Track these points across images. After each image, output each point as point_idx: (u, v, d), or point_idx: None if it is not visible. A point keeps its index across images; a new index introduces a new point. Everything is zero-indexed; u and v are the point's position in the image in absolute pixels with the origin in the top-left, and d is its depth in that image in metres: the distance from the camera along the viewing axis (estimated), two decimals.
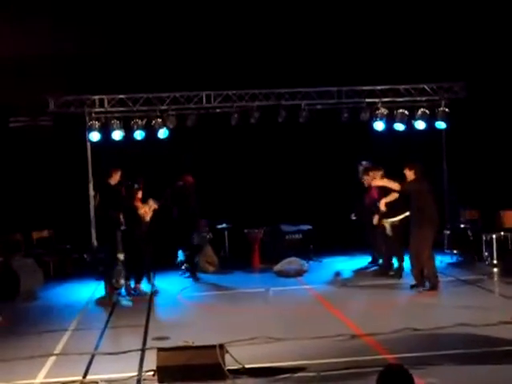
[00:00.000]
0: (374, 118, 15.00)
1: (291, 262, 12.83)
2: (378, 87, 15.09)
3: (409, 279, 11.19)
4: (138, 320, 9.27)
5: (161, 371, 6.42)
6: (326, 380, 6.35)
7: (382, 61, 14.74)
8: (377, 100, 15.08)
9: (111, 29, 14.15)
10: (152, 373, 6.54)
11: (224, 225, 14.54)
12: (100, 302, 11.03)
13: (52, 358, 7.44)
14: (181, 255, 13.66)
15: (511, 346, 6.98)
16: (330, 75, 14.89)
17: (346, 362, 6.76)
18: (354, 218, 13.38)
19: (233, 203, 14.98)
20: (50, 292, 11.89)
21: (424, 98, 15.20)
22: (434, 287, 10.54)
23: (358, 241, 13.64)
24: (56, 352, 7.72)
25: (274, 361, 6.86)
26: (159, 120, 14.52)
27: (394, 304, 10.09)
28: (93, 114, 14.59)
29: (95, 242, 14.51)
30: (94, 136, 14.49)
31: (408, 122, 15.03)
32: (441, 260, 13.38)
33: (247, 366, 6.61)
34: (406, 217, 11.36)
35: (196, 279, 12.72)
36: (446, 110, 15.00)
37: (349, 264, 13.63)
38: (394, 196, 11.45)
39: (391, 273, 12.15)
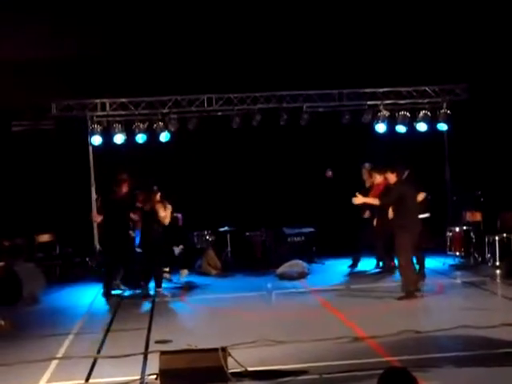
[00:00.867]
0: (375, 120, 15.03)
1: (293, 265, 12.82)
2: (380, 89, 15.11)
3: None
4: (141, 323, 9.28)
5: (163, 374, 6.42)
6: (328, 382, 6.34)
7: (383, 63, 14.75)
8: (378, 102, 15.10)
9: (113, 32, 14.17)
10: (155, 376, 6.54)
11: (226, 228, 14.55)
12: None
13: (55, 362, 7.44)
14: None
15: None
16: (331, 77, 14.91)
17: (348, 364, 6.76)
18: (367, 216, 13.19)
19: (235, 206, 14.98)
20: (53, 296, 11.90)
21: (426, 100, 15.23)
22: (406, 296, 10.18)
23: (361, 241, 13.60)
24: (59, 356, 7.73)
25: (277, 363, 6.86)
26: (161, 123, 14.56)
27: (396, 306, 10.07)
28: (95, 118, 14.64)
29: (98, 246, 14.53)
30: (96, 139, 14.53)
31: (410, 124, 15.05)
32: (443, 262, 13.39)
33: (250, 369, 6.61)
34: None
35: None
36: (448, 111, 15.03)
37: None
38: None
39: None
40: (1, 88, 13.96)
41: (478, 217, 13.84)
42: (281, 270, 12.76)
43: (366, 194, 11.97)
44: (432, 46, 14.74)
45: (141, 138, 14.58)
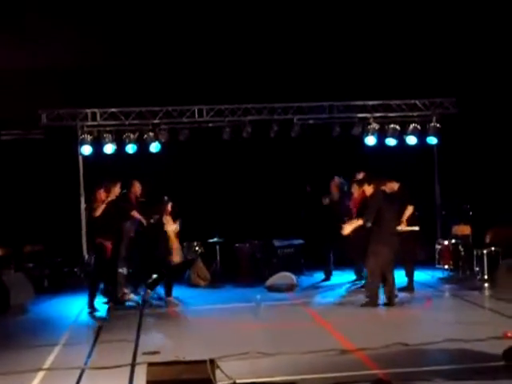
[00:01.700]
0: (365, 132, 15.09)
1: (282, 277, 12.80)
2: (370, 102, 15.19)
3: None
4: (129, 334, 9.24)
5: None
6: None
7: (373, 76, 14.84)
8: (368, 115, 15.18)
9: (104, 43, 14.18)
10: None
11: (216, 239, 14.53)
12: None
13: (41, 373, 7.38)
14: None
15: (501, 362, 6.97)
16: (322, 90, 14.99)
17: (336, 377, 6.74)
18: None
19: (225, 217, 14.97)
20: (41, 306, 11.85)
21: (415, 114, 15.32)
22: (367, 304, 10.49)
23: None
24: (46, 366, 7.66)
25: (265, 376, 6.83)
26: (151, 134, 14.56)
27: (385, 319, 10.08)
28: (85, 128, 14.63)
29: (86, 256, 14.48)
30: (86, 149, 14.51)
31: (399, 137, 15.12)
32: (432, 275, 13.42)
33: (238, 381, 6.58)
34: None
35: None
36: (438, 125, 15.12)
37: (340, 278, 13.64)
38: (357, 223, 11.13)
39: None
40: None
41: (466, 230, 13.90)
42: (270, 281, 12.73)
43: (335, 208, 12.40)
44: (422, 59, 14.84)
45: (131, 149, 14.57)
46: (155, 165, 14.69)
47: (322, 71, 14.90)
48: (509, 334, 7.87)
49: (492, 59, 14.42)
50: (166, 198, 12.10)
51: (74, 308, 11.58)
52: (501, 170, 14.67)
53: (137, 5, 13.56)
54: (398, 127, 15.08)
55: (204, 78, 14.79)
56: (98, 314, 11.12)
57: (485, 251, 12.44)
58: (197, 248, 14.23)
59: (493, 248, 12.51)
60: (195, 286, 13.43)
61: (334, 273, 13.86)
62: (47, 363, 7.83)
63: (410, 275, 11.87)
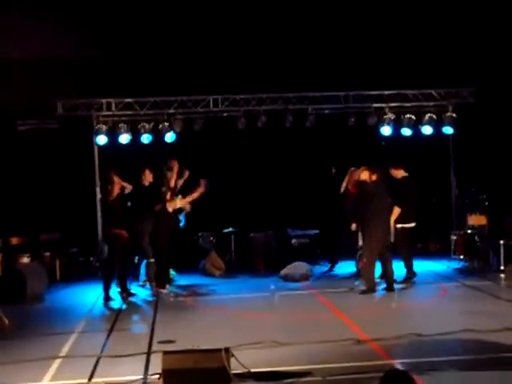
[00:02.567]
0: (381, 122, 15.01)
1: (297, 267, 12.82)
2: (386, 92, 15.11)
3: (412, 285, 11.24)
4: (144, 323, 9.29)
5: (166, 374, 6.41)
6: None
7: (389, 66, 14.76)
8: (384, 105, 15.10)
9: (119, 32, 14.21)
10: (157, 376, 6.54)
11: (230, 229, 14.55)
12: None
13: (58, 361, 7.45)
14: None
15: None
16: (337, 80, 14.92)
17: (351, 366, 6.75)
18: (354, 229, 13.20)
19: (239, 207, 14.99)
20: (57, 295, 11.93)
21: (431, 104, 15.22)
22: (367, 291, 10.84)
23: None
24: (62, 354, 7.73)
25: (280, 365, 6.86)
26: (166, 124, 14.57)
27: (400, 309, 10.06)
28: (100, 118, 14.67)
29: (101, 245, 14.56)
30: (101, 139, 14.55)
31: (415, 127, 15.04)
32: (448, 265, 13.38)
33: (253, 371, 6.60)
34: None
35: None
36: (454, 115, 15.01)
37: (353, 269, 13.62)
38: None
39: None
40: (6, 87, 14.01)
41: (482, 221, 13.82)
42: (284, 271, 12.75)
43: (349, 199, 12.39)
44: (438, 49, 14.75)
45: (146, 139, 14.60)
46: (170, 155, 14.69)
47: (337, 61, 14.84)
48: None
49: (509, 48, 14.30)
50: (163, 188, 11.99)
51: (89, 297, 11.65)
52: None
53: None
54: (413, 117, 14.99)
55: (219, 67, 14.78)
56: (113, 303, 11.19)
57: (501, 242, 12.37)
58: (211, 238, 14.26)
59: (509, 239, 12.44)
60: (210, 275, 13.46)
61: (348, 263, 13.82)
62: (63, 351, 7.89)
63: (407, 268, 11.87)
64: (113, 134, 14.57)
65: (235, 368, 6.51)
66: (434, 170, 15.59)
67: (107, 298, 11.25)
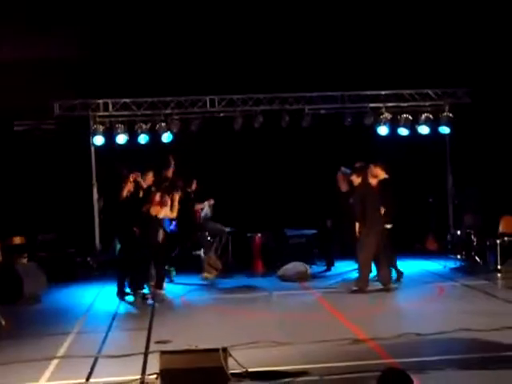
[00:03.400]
0: (377, 122, 15.03)
1: (295, 267, 12.82)
2: (382, 92, 15.13)
3: (409, 285, 11.24)
4: (142, 323, 9.29)
5: (164, 374, 6.41)
6: None
7: (386, 66, 14.77)
8: (381, 105, 15.12)
9: (116, 33, 14.21)
10: (155, 376, 6.55)
11: (228, 229, 14.54)
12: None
13: (55, 361, 7.45)
14: None
15: None
16: (333, 80, 14.94)
17: (348, 366, 6.76)
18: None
19: (236, 207, 14.98)
20: (54, 295, 11.91)
21: (428, 103, 15.25)
22: (358, 290, 10.90)
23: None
24: (59, 355, 7.73)
25: (277, 365, 6.87)
26: (163, 124, 14.56)
27: (397, 308, 10.08)
28: (97, 118, 14.67)
29: (98, 246, 14.57)
30: (98, 140, 14.55)
31: (412, 126, 15.06)
32: (444, 265, 13.39)
33: (250, 370, 6.61)
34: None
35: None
36: (450, 115, 15.04)
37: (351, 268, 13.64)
38: None
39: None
40: (3, 87, 13.99)
41: (479, 220, 13.84)
42: (282, 271, 12.76)
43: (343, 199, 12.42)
44: (434, 49, 14.77)
45: (143, 139, 14.60)
46: (167, 155, 14.69)
47: (333, 61, 14.85)
48: None
49: (505, 48, 14.33)
50: (153, 188, 11.94)
51: (86, 297, 11.64)
52: None
53: None
54: (410, 117, 15.02)
55: (215, 68, 14.77)
56: (129, 298, 11.24)
57: (497, 241, 12.40)
58: (209, 238, 14.26)
59: (505, 238, 12.47)
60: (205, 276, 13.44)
61: (346, 263, 13.84)
62: (61, 351, 7.89)
63: (393, 268, 11.86)
64: (110, 135, 14.56)
65: (233, 367, 6.51)
66: (431, 169, 15.62)
67: (123, 294, 11.28)
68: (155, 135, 14.61)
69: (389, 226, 11.48)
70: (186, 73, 14.70)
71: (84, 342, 8.44)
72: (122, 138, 14.53)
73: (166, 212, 11.68)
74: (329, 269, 13.77)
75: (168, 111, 14.75)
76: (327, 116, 15.20)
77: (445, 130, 15.21)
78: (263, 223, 14.53)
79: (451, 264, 13.41)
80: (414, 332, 7.90)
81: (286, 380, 6.45)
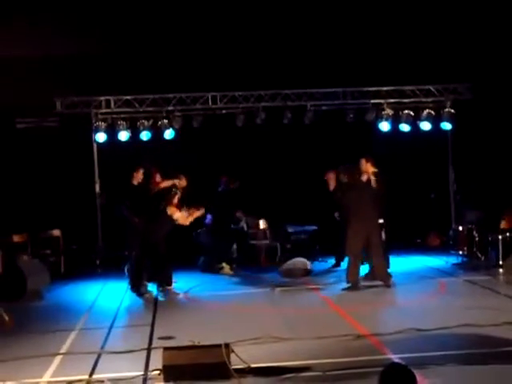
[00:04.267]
0: (379, 118, 15.04)
1: (297, 263, 12.85)
2: (384, 88, 15.14)
3: (410, 280, 11.25)
4: (144, 319, 9.32)
5: (167, 370, 6.45)
6: (331, 379, 6.37)
7: (387, 62, 14.78)
8: (382, 101, 15.13)
9: (117, 30, 14.20)
10: (158, 372, 6.58)
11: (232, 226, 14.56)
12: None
13: (59, 357, 7.47)
14: None
15: None
16: (335, 76, 14.95)
17: (350, 361, 6.78)
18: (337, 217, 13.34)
19: (239, 203, 14.98)
20: (57, 292, 11.95)
21: (429, 99, 15.26)
22: (351, 287, 10.88)
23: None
24: (63, 351, 7.76)
25: (280, 360, 6.89)
26: (165, 121, 14.60)
27: (399, 304, 10.10)
28: (99, 115, 14.70)
29: (101, 242, 14.61)
30: (101, 137, 14.59)
31: (413, 122, 15.07)
32: (446, 260, 13.41)
33: (253, 366, 6.64)
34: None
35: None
36: (452, 110, 15.04)
37: None
38: None
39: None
40: (5, 85, 14.01)
41: (481, 216, 13.85)
42: (284, 267, 12.79)
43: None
44: (436, 44, 14.76)
45: (145, 136, 14.63)
46: (169, 152, 14.73)
47: (335, 57, 14.85)
48: None
49: (506, 44, 14.31)
50: (174, 189, 12.02)
51: (89, 294, 11.68)
52: None
53: None
54: (411, 113, 15.03)
55: (217, 64, 14.79)
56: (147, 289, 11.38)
57: (499, 236, 12.41)
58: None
59: (507, 233, 12.48)
60: (208, 272, 13.48)
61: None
62: (64, 348, 7.91)
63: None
64: (112, 132, 14.60)
65: (235, 363, 6.54)
66: (433, 165, 15.63)
67: (138, 288, 11.39)
68: (157, 132, 14.64)
69: (381, 221, 11.50)
70: (188, 69, 14.72)
71: (87, 338, 8.47)
72: (124, 135, 14.57)
73: (180, 216, 11.69)
74: (338, 264, 13.50)
75: (170, 108, 14.78)
76: (329, 112, 15.22)
77: (446, 125, 15.22)
78: (265, 219, 14.54)
79: (453, 260, 13.43)
80: (416, 327, 7.92)
81: (289, 375, 6.47)
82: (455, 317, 8.37)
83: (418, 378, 3.91)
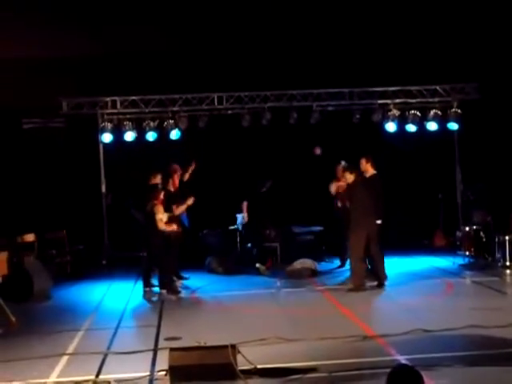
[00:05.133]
0: (385, 119, 15.01)
1: (303, 263, 12.83)
2: (390, 88, 15.10)
3: (417, 281, 11.22)
4: (151, 320, 9.32)
5: (173, 371, 6.45)
6: (337, 380, 6.36)
7: (393, 62, 14.74)
8: (389, 101, 15.09)
9: (123, 31, 14.21)
10: (164, 372, 6.57)
11: (236, 226, 14.55)
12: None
13: (65, 358, 7.48)
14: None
15: None
16: (341, 76, 14.92)
17: (356, 362, 6.78)
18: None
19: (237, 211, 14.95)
20: (63, 292, 11.97)
21: (436, 99, 15.21)
22: (353, 288, 10.87)
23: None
24: (69, 352, 7.77)
25: (286, 361, 6.88)
26: (171, 121, 14.60)
27: (405, 305, 10.06)
28: (105, 116, 14.71)
29: (107, 242, 14.62)
30: (107, 137, 14.61)
31: (420, 123, 15.02)
32: (453, 261, 13.37)
33: (259, 367, 6.63)
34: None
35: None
36: (458, 111, 14.99)
37: None
38: None
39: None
40: (11, 86, 14.05)
41: (487, 216, 13.80)
42: (290, 268, 12.77)
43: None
44: (442, 44, 14.72)
45: (151, 136, 14.64)
46: (175, 152, 14.71)
47: (341, 57, 14.83)
48: None
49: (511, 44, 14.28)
50: (159, 186, 11.89)
51: (96, 294, 11.69)
52: None
53: None
54: (418, 113, 14.99)
55: (223, 65, 14.79)
56: (155, 290, 11.35)
57: (506, 237, 12.36)
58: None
59: None
60: (215, 272, 13.47)
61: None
62: (70, 348, 7.93)
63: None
64: (118, 132, 14.61)
65: (241, 364, 6.53)
66: (440, 165, 15.59)
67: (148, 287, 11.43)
68: (163, 132, 14.64)
69: (379, 222, 11.49)
70: (194, 70, 14.72)
71: (93, 338, 8.47)
72: (130, 136, 14.58)
73: (160, 219, 11.33)
74: (343, 265, 13.43)
75: (176, 108, 14.78)
76: (335, 113, 15.19)
77: (453, 126, 15.17)
78: (271, 220, 14.51)
79: (460, 260, 13.38)
80: (423, 328, 7.90)
81: (295, 377, 6.46)
82: (462, 318, 8.35)
83: (425, 379, 3.89)
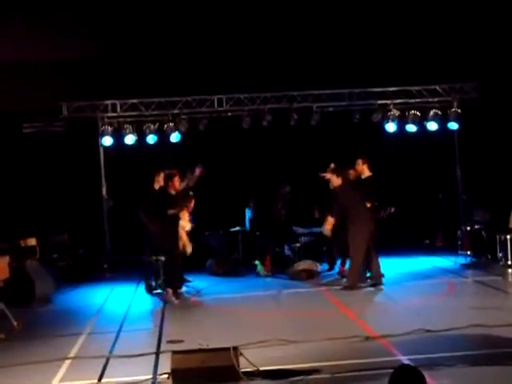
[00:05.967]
0: (385, 119, 15.01)
1: (304, 265, 12.82)
2: (390, 89, 15.10)
3: (419, 281, 11.21)
4: (153, 323, 9.33)
5: (175, 374, 6.45)
6: (340, 381, 6.36)
7: (393, 62, 14.74)
8: (389, 101, 15.10)
9: (123, 34, 14.24)
10: (167, 376, 6.58)
11: (237, 228, 14.56)
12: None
13: (67, 362, 7.49)
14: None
15: None
16: (341, 77, 14.92)
17: (359, 363, 6.77)
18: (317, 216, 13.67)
19: (246, 206, 14.99)
20: (65, 296, 11.97)
21: (436, 99, 15.21)
22: (348, 287, 11.00)
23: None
24: (71, 355, 7.77)
25: (288, 363, 6.87)
26: (171, 124, 14.60)
27: (407, 305, 10.06)
28: (105, 119, 14.72)
29: (109, 246, 14.61)
30: (107, 140, 14.62)
31: (420, 123, 15.03)
32: (455, 261, 13.37)
33: (261, 369, 6.63)
34: None
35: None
36: (458, 110, 15.00)
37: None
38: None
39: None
40: (12, 90, 14.06)
41: (489, 215, 13.80)
42: (292, 269, 12.77)
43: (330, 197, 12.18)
44: (442, 44, 14.73)
45: (151, 139, 14.64)
46: (175, 155, 14.72)
47: (340, 58, 14.83)
48: None
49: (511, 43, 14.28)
50: (191, 193, 11.98)
51: (98, 298, 11.69)
52: None
53: None
54: (418, 113, 14.99)
55: (223, 67, 14.79)
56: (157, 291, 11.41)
57: (508, 236, 12.36)
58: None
59: None
60: (217, 274, 13.47)
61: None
62: (73, 352, 7.93)
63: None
64: (118, 135, 14.62)
65: (244, 366, 6.54)
66: (440, 165, 15.58)
67: (150, 289, 11.51)
68: (163, 135, 14.65)
69: (372, 224, 11.48)
70: (194, 73, 14.72)
71: (96, 342, 8.48)
72: (130, 139, 14.58)
73: (184, 225, 11.67)
74: (331, 268, 13.47)
75: (176, 111, 14.78)
76: (335, 113, 15.19)
77: (453, 125, 15.17)
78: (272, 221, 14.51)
79: (461, 260, 13.37)
80: (425, 328, 7.90)
81: (298, 378, 6.45)
82: (464, 317, 8.34)
83: (428, 379, 3.89)
